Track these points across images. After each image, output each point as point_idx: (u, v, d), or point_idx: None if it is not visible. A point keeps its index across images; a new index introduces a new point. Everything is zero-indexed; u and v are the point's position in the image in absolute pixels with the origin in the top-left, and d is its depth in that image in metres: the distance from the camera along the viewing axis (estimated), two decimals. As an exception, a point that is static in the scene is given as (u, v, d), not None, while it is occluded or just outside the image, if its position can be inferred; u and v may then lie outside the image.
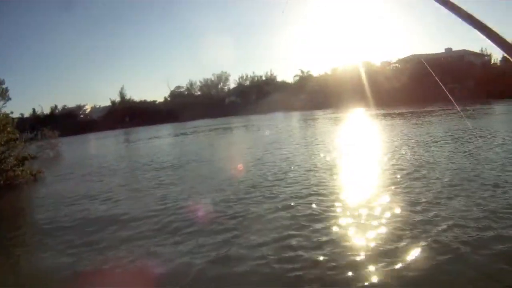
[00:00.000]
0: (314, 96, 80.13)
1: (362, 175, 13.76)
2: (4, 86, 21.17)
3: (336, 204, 10.00)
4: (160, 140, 43.44)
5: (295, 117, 57.14)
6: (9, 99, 21.90)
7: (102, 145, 48.39)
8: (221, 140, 34.63)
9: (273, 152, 21.37)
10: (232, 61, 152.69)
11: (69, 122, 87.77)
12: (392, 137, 23.02)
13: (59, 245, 9.34)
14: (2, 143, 18.39)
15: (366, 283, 5.95)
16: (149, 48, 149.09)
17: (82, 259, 8.24)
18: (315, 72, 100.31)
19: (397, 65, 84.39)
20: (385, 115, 42.89)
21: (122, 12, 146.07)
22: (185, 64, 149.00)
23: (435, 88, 60.95)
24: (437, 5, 1.77)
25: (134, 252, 8.29)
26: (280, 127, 42.35)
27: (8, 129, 19.84)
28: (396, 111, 46.46)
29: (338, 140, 24.43)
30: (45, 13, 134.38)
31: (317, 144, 23.07)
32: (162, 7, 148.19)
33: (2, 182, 17.62)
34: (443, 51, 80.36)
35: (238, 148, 26.77)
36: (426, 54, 74.55)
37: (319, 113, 58.29)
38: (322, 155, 18.74)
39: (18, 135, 21.02)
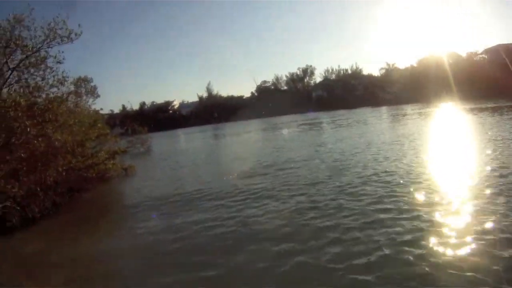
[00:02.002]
0: (401, 90, 75.81)
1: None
2: (92, 84, 21.47)
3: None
4: (250, 134, 42.77)
5: (384, 113, 53.19)
6: (98, 96, 22.30)
7: (191, 140, 49.10)
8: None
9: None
10: (317, 55, 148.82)
11: (158, 117, 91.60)
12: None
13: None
14: (93, 138, 18.47)
15: None
16: (235, 43, 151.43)
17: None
18: (401, 65, 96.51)
19: (483, 55, 77.56)
20: (476, 110, 38.11)
21: (206, 8, 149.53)
22: (271, 58, 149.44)
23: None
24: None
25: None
26: (372, 124, 39.07)
27: (99, 124, 20.03)
28: (487, 105, 41.63)
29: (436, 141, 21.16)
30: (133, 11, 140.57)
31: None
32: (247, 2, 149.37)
33: (94, 174, 17.69)
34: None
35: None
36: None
37: (407, 108, 54.05)
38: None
39: (108, 130, 21.39)
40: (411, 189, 10.44)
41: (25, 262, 8.90)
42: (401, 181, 11.59)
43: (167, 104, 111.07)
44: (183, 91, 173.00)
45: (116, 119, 58.19)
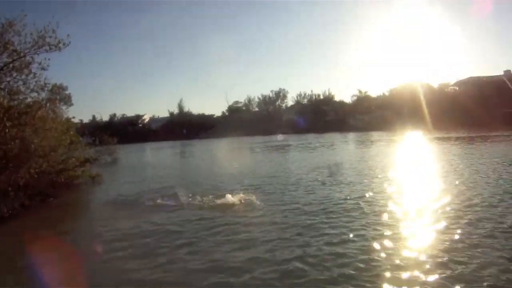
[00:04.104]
0: (371, 117, 78.57)
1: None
2: (67, 92, 21.69)
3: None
4: (211, 152, 43.49)
5: (350, 138, 55.26)
6: (72, 104, 22.45)
7: (158, 155, 49.48)
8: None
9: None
10: (290, 78, 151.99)
11: (127, 130, 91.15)
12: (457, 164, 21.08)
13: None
14: (66, 144, 18.87)
15: None
16: (208, 61, 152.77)
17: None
18: (373, 93, 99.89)
19: (455, 87, 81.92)
20: (443, 139, 40.67)
21: (184, 23, 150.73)
22: (243, 79, 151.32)
23: (494, 111, 60.37)
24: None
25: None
26: (339, 148, 40.78)
27: (71, 132, 20.33)
28: (455, 135, 44.70)
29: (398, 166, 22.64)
30: (108, 18, 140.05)
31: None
32: (223, 21, 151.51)
33: (63, 179, 18.08)
34: (502, 73, 75.43)
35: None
36: (485, 77, 72.22)
37: (375, 135, 56.27)
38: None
39: (79, 138, 21.75)
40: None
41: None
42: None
43: (138, 117, 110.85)
44: (154, 106, 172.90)
45: (85, 128, 57.81)
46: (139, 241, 9.84)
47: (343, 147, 41.18)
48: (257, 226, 10.49)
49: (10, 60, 14.36)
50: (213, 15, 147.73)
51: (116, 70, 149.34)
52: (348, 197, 13.56)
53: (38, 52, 14.61)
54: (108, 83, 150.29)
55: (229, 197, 13.76)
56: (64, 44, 14.79)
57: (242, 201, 13.44)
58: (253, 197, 13.73)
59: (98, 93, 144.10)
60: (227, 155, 39.30)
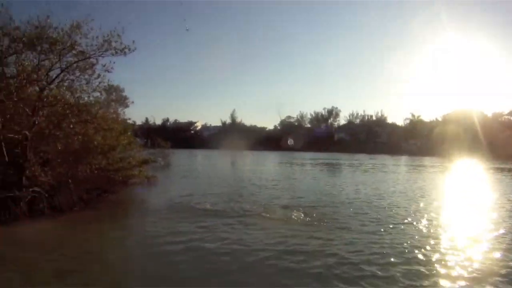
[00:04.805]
0: (423, 142, 76.17)
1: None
2: (123, 94, 22.29)
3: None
4: (267, 167, 43.42)
5: (403, 162, 53.20)
6: (128, 106, 23.11)
7: (209, 162, 50.09)
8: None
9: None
10: (343, 97, 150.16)
11: (178, 135, 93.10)
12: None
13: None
14: (124, 144, 19.44)
15: None
16: (264, 74, 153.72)
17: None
18: (426, 117, 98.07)
19: (509, 117, 77.95)
20: (496, 169, 38.68)
21: (243, 36, 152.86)
22: (297, 94, 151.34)
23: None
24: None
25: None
26: (391, 170, 39.49)
27: (129, 133, 20.90)
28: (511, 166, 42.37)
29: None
30: (169, 23, 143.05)
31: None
32: (281, 38, 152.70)
33: (121, 178, 18.68)
34: None
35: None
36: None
37: (426, 161, 54.15)
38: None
39: (135, 140, 22.39)
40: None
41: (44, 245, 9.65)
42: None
43: (190, 124, 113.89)
44: (207, 114, 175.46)
45: (137, 130, 59.86)
46: (193, 243, 9.94)
47: (401, 171, 39.81)
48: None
49: (75, 60, 14.93)
50: (269, 31, 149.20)
51: (172, 75, 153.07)
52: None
53: (103, 55, 15.06)
54: (163, 87, 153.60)
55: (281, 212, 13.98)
56: (129, 49, 15.15)
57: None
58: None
59: (152, 97, 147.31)
60: (278, 169, 39.26)
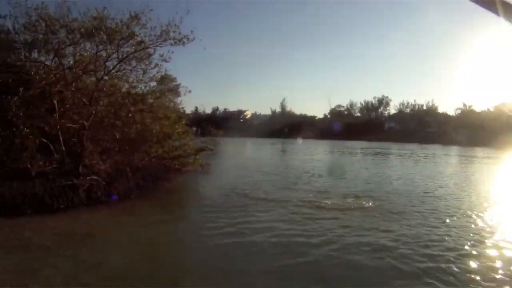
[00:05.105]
0: (474, 133, 72.38)
1: None
2: (176, 83, 22.28)
3: None
4: (314, 156, 42.78)
5: (454, 152, 51.10)
6: (179, 95, 23.12)
7: (260, 151, 50.07)
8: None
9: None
10: (393, 86, 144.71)
11: (228, 124, 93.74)
12: None
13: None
14: (179, 133, 19.68)
15: None
16: (314, 62, 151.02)
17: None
18: (477, 107, 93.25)
19: None
20: None
21: (296, 25, 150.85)
22: (348, 83, 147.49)
23: None
24: None
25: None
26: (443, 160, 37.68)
27: (183, 122, 21.10)
28: None
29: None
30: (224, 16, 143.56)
31: None
32: (334, 28, 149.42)
33: (177, 166, 18.99)
34: None
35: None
36: None
37: (479, 151, 51.51)
38: None
39: (188, 128, 22.65)
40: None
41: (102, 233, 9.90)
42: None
43: (240, 112, 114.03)
44: (257, 103, 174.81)
45: (188, 119, 61.00)
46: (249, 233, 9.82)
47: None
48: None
49: (133, 50, 15.07)
50: (316, 20, 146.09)
51: (221, 64, 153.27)
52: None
53: (161, 46, 15.09)
54: (213, 76, 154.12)
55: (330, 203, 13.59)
56: (188, 39, 15.06)
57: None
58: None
59: (202, 86, 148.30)
60: (329, 158, 38.59)
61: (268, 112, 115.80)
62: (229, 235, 9.61)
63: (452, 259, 7.96)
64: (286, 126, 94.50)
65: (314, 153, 44.26)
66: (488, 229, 10.52)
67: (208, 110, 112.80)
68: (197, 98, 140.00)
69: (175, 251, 9.04)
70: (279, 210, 12.57)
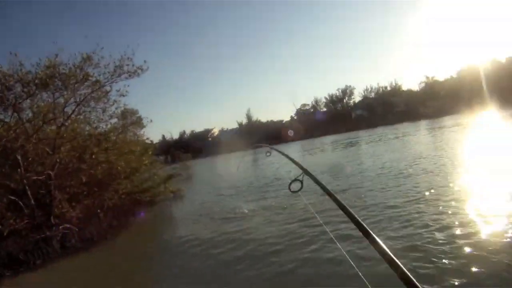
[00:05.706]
0: (441, 103, 74.80)
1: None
2: (138, 115, 22.36)
3: None
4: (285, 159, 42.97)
5: (424, 126, 53.07)
6: (144, 126, 23.16)
7: (230, 166, 50.15)
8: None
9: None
10: (355, 74, 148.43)
11: (197, 145, 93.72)
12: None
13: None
14: (147, 164, 19.72)
15: None
16: (273, 68, 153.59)
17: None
18: (441, 77, 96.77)
19: None
20: None
21: (244, 32, 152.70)
22: (308, 81, 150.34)
23: None
24: None
25: None
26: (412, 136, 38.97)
27: (150, 152, 21.18)
28: None
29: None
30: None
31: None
32: (285, 29, 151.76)
33: (148, 198, 19.04)
34: None
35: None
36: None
37: (446, 121, 53.70)
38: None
39: (155, 158, 22.77)
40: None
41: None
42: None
43: (207, 132, 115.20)
44: (223, 119, 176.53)
45: (156, 148, 60.99)
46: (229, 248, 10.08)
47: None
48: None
49: (90, 91, 15.09)
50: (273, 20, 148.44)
51: (178, 88, 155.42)
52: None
53: (116, 81, 15.14)
54: (173, 101, 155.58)
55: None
56: (142, 70, 15.15)
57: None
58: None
59: (166, 113, 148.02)
60: (300, 159, 38.79)
61: (236, 126, 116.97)
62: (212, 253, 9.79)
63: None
64: (254, 136, 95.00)
65: (281, 161, 44.47)
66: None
67: (176, 136, 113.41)
68: (164, 126, 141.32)
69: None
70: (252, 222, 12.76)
